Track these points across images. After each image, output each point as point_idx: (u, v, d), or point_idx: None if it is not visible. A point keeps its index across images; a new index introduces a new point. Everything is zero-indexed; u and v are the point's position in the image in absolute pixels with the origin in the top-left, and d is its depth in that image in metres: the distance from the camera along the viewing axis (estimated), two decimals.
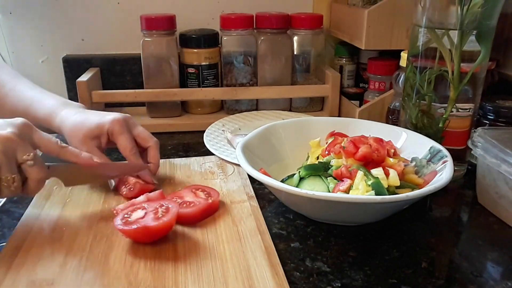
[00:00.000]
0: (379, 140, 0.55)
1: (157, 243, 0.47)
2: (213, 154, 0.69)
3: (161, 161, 0.66)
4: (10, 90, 0.63)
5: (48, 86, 0.94)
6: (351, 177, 0.51)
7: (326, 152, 0.57)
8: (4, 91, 0.63)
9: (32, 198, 0.55)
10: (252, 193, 0.58)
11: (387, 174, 0.50)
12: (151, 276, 0.42)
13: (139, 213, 0.47)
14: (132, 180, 0.56)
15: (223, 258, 0.45)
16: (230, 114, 0.86)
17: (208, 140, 0.73)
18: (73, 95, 0.89)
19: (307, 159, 0.61)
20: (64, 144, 0.50)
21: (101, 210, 0.53)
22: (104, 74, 0.92)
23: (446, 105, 0.59)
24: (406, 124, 0.64)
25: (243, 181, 0.61)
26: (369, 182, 0.49)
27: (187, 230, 0.49)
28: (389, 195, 0.48)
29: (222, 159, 0.67)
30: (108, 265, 0.43)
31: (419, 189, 0.49)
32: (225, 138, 0.74)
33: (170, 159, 0.68)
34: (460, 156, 0.62)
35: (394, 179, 0.50)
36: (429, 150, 0.57)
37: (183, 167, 0.65)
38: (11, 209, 0.55)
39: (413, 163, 0.57)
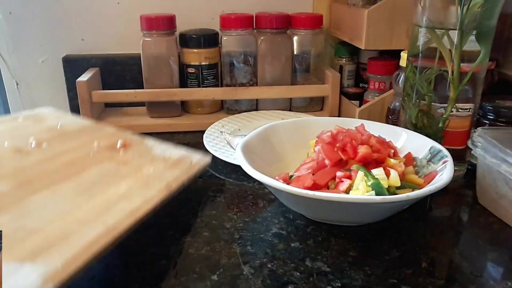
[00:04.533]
0: (382, 142, 0.55)
1: None
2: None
3: None
4: None
5: (48, 86, 0.94)
6: (351, 177, 0.51)
7: None
8: None
9: None
10: None
11: (387, 174, 0.50)
12: None
13: None
14: None
15: None
16: (230, 114, 0.86)
17: (208, 141, 0.73)
18: (73, 95, 0.89)
19: None
20: None
21: None
22: (104, 74, 0.92)
23: (446, 105, 0.59)
24: (406, 124, 0.64)
25: None
26: (369, 183, 0.49)
27: None
28: (389, 195, 0.48)
29: (222, 159, 0.67)
30: None
31: (419, 189, 0.49)
32: (224, 140, 0.74)
33: None
34: (460, 156, 0.62)
35: (394, 179, 0.50)
36: (429, 150, 0.57)
37: None
38: None
39: (413, 163, 0.57)
